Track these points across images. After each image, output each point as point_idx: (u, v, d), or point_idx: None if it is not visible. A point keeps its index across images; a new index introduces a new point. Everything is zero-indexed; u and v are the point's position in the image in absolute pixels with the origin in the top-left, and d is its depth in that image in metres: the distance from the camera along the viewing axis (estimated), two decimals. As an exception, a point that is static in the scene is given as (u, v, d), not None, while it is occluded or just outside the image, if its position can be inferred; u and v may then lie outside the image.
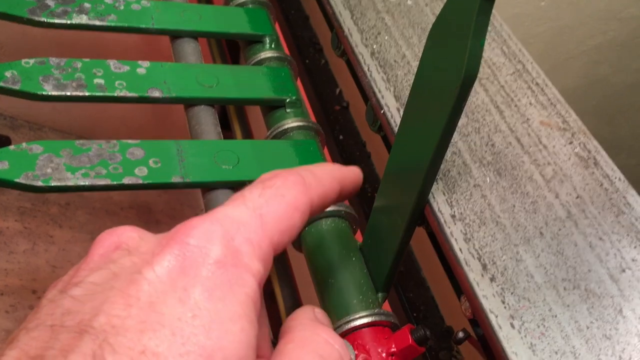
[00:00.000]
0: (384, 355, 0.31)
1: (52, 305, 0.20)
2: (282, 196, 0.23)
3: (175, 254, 0.20)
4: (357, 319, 0.31)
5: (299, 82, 0.56)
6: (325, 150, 0.53)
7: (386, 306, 0.43)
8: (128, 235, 0.22)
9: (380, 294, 0.34)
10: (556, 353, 0.25)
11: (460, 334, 0.30)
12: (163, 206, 1.14)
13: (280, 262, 0.56)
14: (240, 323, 0.20)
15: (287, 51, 0.61)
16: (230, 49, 0.72)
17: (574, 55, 1.29)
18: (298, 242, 0.37)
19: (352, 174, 0.29)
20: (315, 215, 0.26)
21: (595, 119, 1.47)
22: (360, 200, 0.56)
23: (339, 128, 0.62)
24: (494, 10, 0.42)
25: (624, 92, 1.44)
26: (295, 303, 0.52)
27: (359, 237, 0.38)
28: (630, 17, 1.25)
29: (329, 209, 0.36)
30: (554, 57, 1.27)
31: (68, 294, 0.20)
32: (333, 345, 0.23)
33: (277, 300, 0.53)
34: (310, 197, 0.24)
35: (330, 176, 0.27)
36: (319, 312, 0.26)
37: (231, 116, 0.63)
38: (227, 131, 0.69)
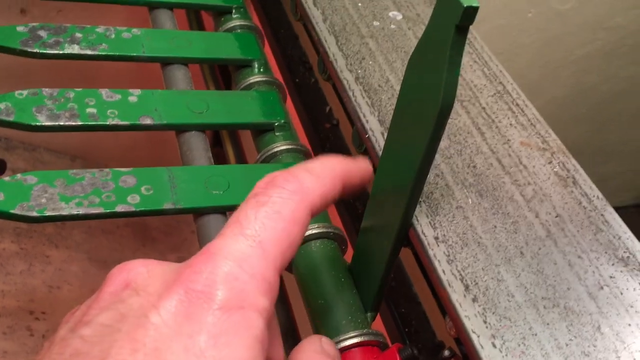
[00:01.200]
0: (373, 374, 0.31)
1: (62, 344, 0.20)
2: (279, 213, 0.22)
3: (181, 299, 0.20)
4: (346, 339, 0.32)
5: (289, 101, 0.58)
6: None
7: (378, 322, 0.44)
8: (137, 271, 0.22)
9: (369, 314, 0.35)
10: (536, 371, 0.26)
11: (446, 353, 0.31)
12: (159, 223, 1.15)
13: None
14: None
15: (277, 70, 0.62)
16: (223, 73, 0.73)
17: (562, 64, 1.31)
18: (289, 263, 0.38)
19: (357, 167, 0.27)
20: (318, 214, 0.25)
21: (586, 127, 1.48)
22: (351, 218, 0.57)
23: (329, 146, 0.63)
24: (475, 32, 0.43)
25: (613, 100, 1.45)
26: (288, 319, 0.53)
27: (351, 252, 0.39)
28: (617, 27, 1.26)
29: (317, 230, 0.37)
30: (543, 67, 1.28)
31: (77, 334, 0.20)
32: None
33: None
34: (310, 202, 0.23)
35: (332, 173, 0.25)
36: (326, 343, 0.26)
37: (224, 139, 0.64)
38: (220, 149, 0.70)
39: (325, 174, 0.25)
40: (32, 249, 0.97)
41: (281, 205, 0.23)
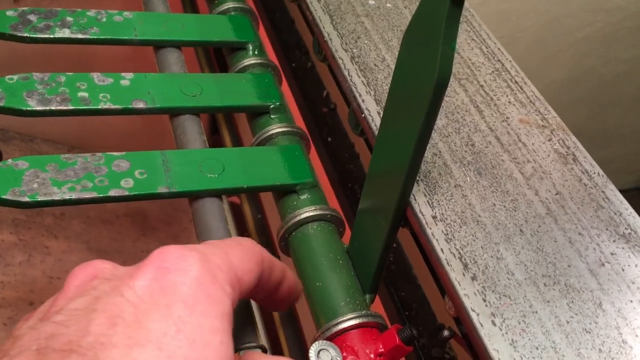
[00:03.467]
0: (372, 356, 0.31)
1: (34, 332, 0.20)
2: (239, 244, 0.26)
3: (153, 276, 0.21)
4: (344, 321, 0.32)
5: (285, 86, 0.57)
6: (314, 153, 0.54)
7: (377, 305, 0.44)
8: (102, 266, 0.23)
9: (367, 295, 0.35)
10: (537, 348, 0.26)
11: (446, 333, 0.31)
12: (158, 213, 1.14)
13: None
14: (219, 336, 0.21)
15: (273, 55, 0.62)
16: (218, 56, 0.72)
17: (562, 47, 1.30)
18: (286, 247, 0.38)
19: (293, 276, 0.32)
20: (264, 287, 0.28)
21: (586, 110, 1.48)
22: (350, 201, 0.57)
23: (327, 130, 0.63)
24: (472, 10, 0.43)
25: (613, 83, 1.44)
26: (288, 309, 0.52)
27: (348, 236, 0.38)
28: (616, 8, 1.25)
29: (314, 212, 0.36)
30: (543, 51, 1.27)
31: (50, 321, 0.20)
32: None
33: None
34: (261, 253, 0.27)
35: (276, 259, 0.29)
36: None
37: (220, 122, 0.64)
38: (217, 135, 0.69)
39: (273, 257, 0.29)
40: (31, 240, 0.97)
41: (240, 241, 0.27)
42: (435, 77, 0.25)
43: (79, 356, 0.19)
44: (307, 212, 0.36)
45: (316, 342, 0.30)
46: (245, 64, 0.46)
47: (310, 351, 0.29)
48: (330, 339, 0.32)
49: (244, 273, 0.25)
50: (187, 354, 0.20)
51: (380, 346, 0.31)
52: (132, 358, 0.19)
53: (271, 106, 0.43)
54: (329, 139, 0.62)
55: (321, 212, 0.37)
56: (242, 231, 0.62)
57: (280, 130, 0.41)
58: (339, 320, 0.32)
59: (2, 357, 0.20)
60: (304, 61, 0.66)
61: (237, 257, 0.25)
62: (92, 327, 0.20)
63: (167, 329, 0.20)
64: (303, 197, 0.38)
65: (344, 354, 0.31)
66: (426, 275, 0.51)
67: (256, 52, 0.47)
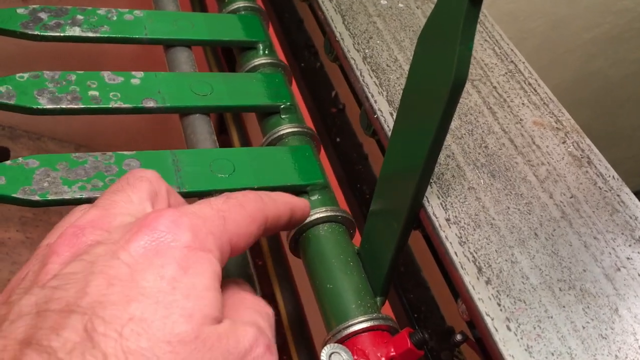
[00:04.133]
0: (383, 359, 0.31)
1: (30, 297, 0.21)
2: (242, 207, 0.26)
3: (148, 239, 0.22)
4: (355, 324, 0.31)
5: (294, 86, 0.57)
6: (323, 154, 0.53)
7: (386, 308, 0.43)
8: (94, 229, 0.23)
9: (378, 298, 0.34)
10: (552, 354, 0.25)
11: (458, 337, 0.30)
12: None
13: (280, 266, 0.57)
14: (212, 292, 0.22)
15: (281, 55, 0.61)
16: (226, 55, 0.72)
17: (570, 49, 1.29)
18: (296, 248, 0.37)
19: (302, 204, 0.32)
20: (270, 233, 0.29)
21: (593, 112, 1.47)
22: (358, 202, 0.56)
23: (335, 130, 0.63)
24: (485, 11, 0.42)
25: (621, 84, 1.44)
26: (296, 306, 0.52)
27: (358, 238, 0.38)
28: (625, 10, 1.25)
29: (326, 213, 0.36)
30: (551, 52, 1.27)
31: (47, 286, 0.21)
32: (263, 305, 0.26)
33: (277, 302, 0.53)
34: (265, 214, 0.27)
35: (284, 202, 0.30)
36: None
37: (228, 122, 0.64)
38: (225, 135, 0.69)
39: (280, 201, 0.29)
40: (38, 238, 0.97)
41: (246, 203, 0.26)
42: (452, 78, 0.24)
43: (79, 315, 0.20)
44: (318, 214, 0.36)
45: (328, 345, 0.29)
46: (256, 63, 0.45)
47: (322, 354, 0.29)
48: (341, 341, 0.31)
49: (239, 238, 0.25)
50: (183, 304, 0.21)
51: (392, 349, 0.31)
52: (130, 312, 0.20)
53: (282, 106, 0.42)
54: (338, 139, 0.62)
55: (332, 214, 0.36)
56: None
57: (290, 130, 0.41)
58: (350, 323, 0.31)
59: (3, 323, 0.20)
60: (312, 61, 0.66)
61: (235, 222, 0.25)
62: (90, 288, 0.20)
63: (162, 287, 0.21)
64: (314, 198, 0.38)
65: (355, 357, 0.31)
66: (435, 278, 0.51)
67: (266, 52, 0.47)
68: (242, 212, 0.26)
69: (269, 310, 0.26)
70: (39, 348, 0.19)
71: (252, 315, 0.25)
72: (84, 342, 0.19)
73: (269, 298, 0.53)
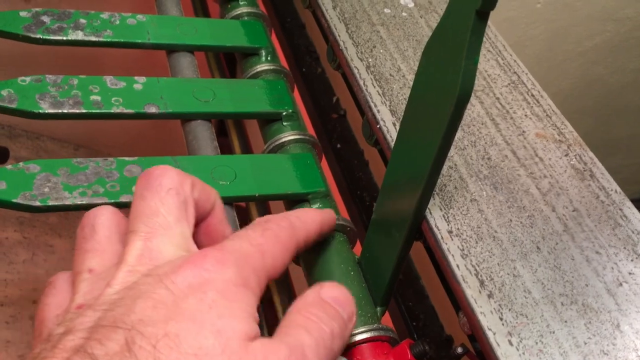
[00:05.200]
0: (383, 370, 0.31)
1: (84, 317, 0.23)
2: (278, 238, 0.27)
3: (194, 273, 0.24)
4: (356, 334, 0.31)
5: (295, 91, 0.57)
6: (323, 161, 0.53)
7: (385, 316, 0.43)
8: (146, 265, 0.25)
9: (379, 308, 0.34)
10: (554, 369, 0.25)
11: (459, 349, 0.30)
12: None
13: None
14: (246, 313, 0.24)
15: (283, 60, 0.61)
16: (228, 61, 0.72)
17: (570, 56, 1.29)
18: (296, 256, 0.37)
19: (329, 217, 0.33)
20: (301, 253, 0.30)
21: (592, 120, 1.47)
22: (358, 210, 0.56)
23: (336, 136, 0.63)
24: (488, 21, 0.42)
25: (620, 93, 1.44)
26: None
27: (358, 247, 0.38)
28: (626, 18, 1.25)
29: (326, 223, 0.36)
30: (551, 59, 1.27)
31: (100, 310, 0.23)
32: (318, 323, 0.25)
33: (276, 308, 0.53)
34: (297, 240, 0.28)
35: (313, 220, 0.31)
36: (327, 290, 0.27)
37: (229, 128, 0.63)
38: (224, 137, 0.69)
39: (309, 221, 0.30)
40: (35, 238, 0.96)
41: (279, 233, 0.27)
42: (457, 92, 0.24)
43: (123, 330, 0.22)
44: (319, 222, 0.36)
45: (328, 356, 0.29)
46: (258, 69, 0.45)
47: (322, 365, 0.29)
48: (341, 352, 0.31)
49: (275, 270, 0.26)
50: (215, 322, 0.22)
51: (392, 361, 0.31)
52: (167, 330, 0.22)
53: (283, 113, 0.42)
54: (339, 146, 0.62)
55: (333, 223, 0.36)
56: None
57: (292, 138, 0.41)
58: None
59: (59, 338, 0.22)
60: (314, 67, 0.66)
61: (273, 256, 0.26)
62: (136, 308, 0.22)
63: (200, 307, 0.23)
64: (315, 206, 0.38)
65: (355, 368, 0.30)
66: (434, 286, 0.51)
67: (269, 58, 0.47)
68: (278, 245, 0.27)
69: (328, 331, 0.25)
70: (84, 354, 0.21)
71: (300, 336, 0.24)
72: (123, 351, 0.21)
73: (268, 304, 0.53)
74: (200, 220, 0.29)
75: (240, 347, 0.22)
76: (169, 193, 0.27)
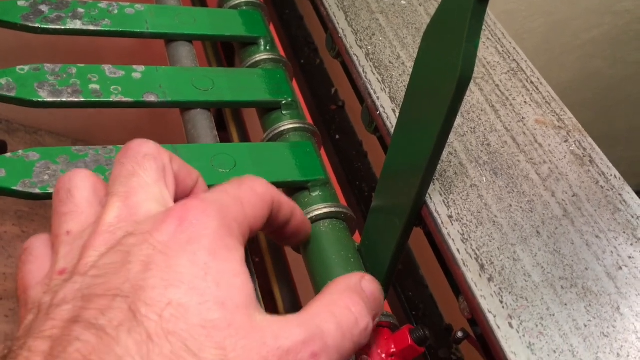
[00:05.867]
0: (383, 356, 0.31)
1: (73, 284, 0.22)
2: (254, 190, 0.27)
3: (179, 228, 0.23)
4: (356, 320, 0.31)
5: (294, 83, 0.57)
6: (322, 151, 0.53)
7: (384, 305, 0.43)
8: (121, 219, 0.25)
9: (379, 295, 0.34)
10: (554, 352, 0.25)
11: (459, 334, 0.30)
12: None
13: (278, 263, 0.56)
14: (240, 278, 0.23)
15: (281, 51, 0.61)
16: (226, 51, 0.72)
17: (568, 49, 1.29)
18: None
19: (302, 213, 0.33)
20: (274, 222, 0.29)
21: (591, 113, 1.47)
22: (357, 200, 0.56)
23: (335, 128, 0.63)
24: (487, 9, 0.42)
25: (619, 85, 1.44)
26: (294, 302, 0.52)
27: (357, 237, 0.38)
28: (624, 11, 1.25)
29: (327, 210, 0.36)
30: (549, 52, 1.27)
31: (87, 275, 0.22)
32: (350, 311, 0.25)
33: (275, 299, 0.53)
34: (272, 196, 0.28)
35: (287, 197, 0.30)
36: (367, 281, 0.28)
37: (227, 118, 0.63)
38: (223, 132, 0.69)
39: (281, 193, 0.30)
40: (34, 232, 0.96)
41: (254, 186, 0.27)
42: (457, 75, 0.24)
43: (122, 298, 0.21)
44: (319, 210, 0.36)
45: (329, 341, 0.29)
46: (257, 59, 0.45)
47: (322, 350, 0.29)
48: (342, 338, 0.31)
49: (255, 221, 0.26)
50: (216, 293, 0.22)
51: (392, 346, 0.31)
52: (169, 297, 0.21)
53: (283, 102, 0.42)
54: (337, 137, 0.62)
55: (333, 210, 0.36)
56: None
57: (291, 126, 0.41)
58: (350, 320, 0.31)
59: (49, 307, 0.22)
60: (312, 58, 0.66)
61: (251, 206, 0.26)
62: (129, 274, 0.22)
63: (196, 273, 0.22)
64: (314, 194, 0.38)
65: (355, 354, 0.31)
66: (434, 276, 0.51)
67: (268, 48, 0.46)
68: (255, 196, 0.27)
69: (357, 322, 0.25)
70: (87, 325, 0.20)
71: (321, 318, 0.24)
72: (130, 320, 0.20)
73: (267, 295, 0.53)
74: (181, 197, 0.28)
75: (245, 322, 0.22)
76: (146, 157, 0.26)
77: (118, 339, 0.20)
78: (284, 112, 0.42)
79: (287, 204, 0.30)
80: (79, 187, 0.27)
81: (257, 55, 0.45)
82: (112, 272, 0.22)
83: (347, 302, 0.25)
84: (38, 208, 0.99)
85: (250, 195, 0.27)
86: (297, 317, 0.24)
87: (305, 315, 0.24)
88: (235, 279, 0.23)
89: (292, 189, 0.38)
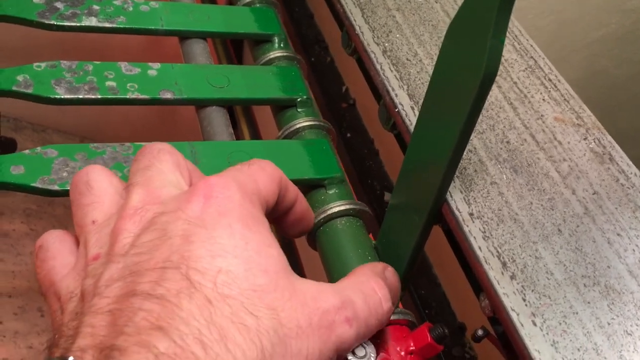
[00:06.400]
0: (402, 354, 0.31)
1: (116, 264, 0.23)
2: (263, 169, 0.28)
3: (204, 203, 0.24)
4: (375, 318, 0.31)
5: (305, 81, 0.56)
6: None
7: (398, 305, 0.43)
8: (148, 203, 0.25)
9: (397, 293, 0.34)
10: (578, 350, 0.25)
11: (480, 332, 0.30)
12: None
13: (291, 259, 0.56)
14: (274, 247, 0.25)
15: (293, 50, 0.61)
16: (235, 49, 0.72)
17: (576, 48, 1.29)
18: (313, 240, 0.37)
19: (307, 205, 0.33)
20: (281, 204, 0.30)
21: (597, 112, 1.45)
22: (369, 199, 0.56)
23: (346, 126, 0.63)
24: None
25: (626, 85, 1.43)
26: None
27: (370, 236, 0.38)
28: (633, 9, 1.24)
29: (344, 207, 0.36)
30: (557, 50, 1.26)
31: (129, 254, 0.23)
32: (376, 292, 0.27)
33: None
34: (279, 175, 0.29)
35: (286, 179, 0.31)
36: (390, 271, 0.30)
37: (238, 115, 0.63)
38: (234, 129, 0.69)
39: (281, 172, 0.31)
40: (42, 230, 0.96)
41: (263, 165, 0.29)
42: (482, 71, 0.24)
43: (174, 269, 0.22)
44: (336, 207, 0.36)
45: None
46: (271, 56, 0.45)
47: (344, 348, 0.29)
48: (361, 335, 0.31)
49: (269, 196, 0.27)
50: (258, 260, 0.23)
51: (411, 344, 0.31)
52: (217, 265, 0.22)
53: (298, 99, 0.42)
54: (348, 135, 0.62)
55: (350, 207, 0.36)
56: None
57: (307, 124, 0.41)
58: (369, 317, 0.31)
59: (96, 289, 0.22)
60: (323, 56, 0.66)
61: (264, 182, 0.27)
62: (173, 247, 0.22)
63: (236, 242, 0.23)
64: (331, 191, 0.37)
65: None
66: (446, 274, 0.51)
67: (282, 45, 0.46)
68: (265, 175, 0.28)
69: (381, 303, 0.27)
70: (146, 296, 0.21)
71: (351, 291, 0.26)
72: (188, 288, 0.21)
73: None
74: None
75: (287, 285, 0.24)
76: (161, 152, 0.28)
77: (180, 305, 0.21)
78: (299, 110, 0.42)
79: (292, 187, 0.31)
80: (97, 179, 0.27)
81: (271, 53, 0.45)
82: (155, 248, 0.23)
83: (373, 284, 0.27)
84: (46, 206, 1.00)
85: (261, 173, 0.28)
86: (330, 286, 0.26)
87: (338, 286, 0.26)
88: (269, 249, 0.24)
89: (308, 187, 0.38)
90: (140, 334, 0.20)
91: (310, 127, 0.41)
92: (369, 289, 0.27)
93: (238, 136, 0.66)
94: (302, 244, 0.40)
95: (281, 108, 0.43)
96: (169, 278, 0.22)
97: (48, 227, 0.99)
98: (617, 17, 1.25)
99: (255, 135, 0.64)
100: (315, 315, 0.23)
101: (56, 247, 0.27)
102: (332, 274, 0.35)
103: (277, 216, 0.31)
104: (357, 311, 0.25)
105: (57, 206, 1.02)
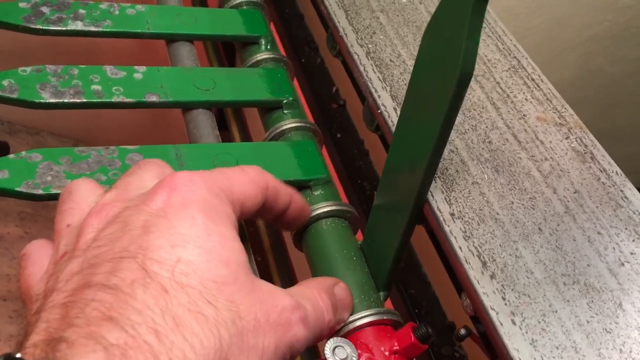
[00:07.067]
0: (386, 354, 0.31)
1: (77, 259, 0.23)
2: (244, 171, 0.28)
3: (170, 194, 0.24)
4: (359, 318, 0.31)
5: (295, 82, 0.57)
6: (324, 150, 0.53)
7: (388, 303, 0.43)
8: (112, 199, 0.26)
9: (381, 293, 0.35)
10: (557, 348, 0.25)
11: (462, 331, 0.30)
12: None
13: (282, 261, 0.57)
14: (237, 242, 0.25)
15: (282, 50, 0.61)
16: (226, 51, 0.72)
17: (570, 46, 1.29)
18: (299, 241, 0.37)
19: (302, 198, 0.34)
20: (272, 209, 0.30)
21: (593, 110, 1.47)
22: (359, 199, 0.56)
23: (336, 126, 0.63)
24: (488, 6, 0.42)
25: (621, 82, 1.44)
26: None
27: (359, 236, 0.38)
28: (626, 7, 1.24)
29: (329, 208, 0.36)
30: (551, 49, 1.27)
31: (90, 247, 0.23)
32: (319, 304, 0.27)
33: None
34: (266, 181, 0.29)
35: (284, 184, 0.31)
36: (340, 288, 0.30)
37: (229, 117, 0.63)
38: (225, 131, 0.69)
39: (280, 181, 0.31)
40: (37, 233, 0.96)
41: (245, 169, 0.29)
42: (458, 72, 0.24)
43: (131, 259, 0.22)
44: (321, 208, 0.36)
45: (331, 339, 0.29)
46: (258, 58, 0.45)
47: (325, 348, 0.29)
48: (345, 336, 0.31)
49: (245, 198, 0.27)
50: (220, 252, 0.23)
51: (395, 344, 0.31)
52: (176, 255, 0.22)
53: (284, 101, 0.42)
54: (338, 135, 0.62)
55: (335, 208, 0.36)
56: (251, 224, 0.62)
57: (293, 125, 0.41)
58: (353, 318, 0.31)
59: (56, 285, 0.22)
60: (313, 57, 0.66)
61: (240, 183, 0.27)
62: (132, 238, 0.23)
63: (198, 233, 0.23)
64: (317, 192, 0.38)
65: (358, 352, 0.31)
66: (436, 273, 0.51)
67: (269, 47, 0.47)
68: (245, 177, 0.28)
69: (324, 314, 0.27)
70: (99, 287, 0.21)
71: (300, 297, 0.26)
72: (143, 277, 0.21)
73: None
74: None
75: (247, 280, 0.24)
76: (147, 162, 0.28)
77: (134, 295, 0.21)
78: (285, 112, 0.42)
79: (284, 191, 0.31)
80: (79, 188, 0.28)
81: (258, 55, 0.46)
82: (115, 240, 0.23)
83: (317, 297, 0.28)
84: (41, 209, 1.00)
85: (240, 175, 0.28)
86: (283, 290, 0.26)
87: (289, 291, 0.27)
88: (232, 242, 0.24)
89: (294, 188, 0.38)
90: (90, 325, 0.20)
91: (296, 128, 0.41)
92: (314, 300, 0.27)
93: (229, 138, 0.66)
94: (292, 244, 0.40)
95: (268, 110, 0.43)
96: (124, 268, 0.22)
97: (43, 230, 1.00)
98: (611, 15, 1.26)
99: (246, 137, 0.64)
100: (273, 312, 0.24)
101: (37, 254, 0.27)
102: (319, 275, 0.35)
103: (273, 217, 0.32)
104: (308, 315, 0.26)
105: (52, 209, 1.02)
